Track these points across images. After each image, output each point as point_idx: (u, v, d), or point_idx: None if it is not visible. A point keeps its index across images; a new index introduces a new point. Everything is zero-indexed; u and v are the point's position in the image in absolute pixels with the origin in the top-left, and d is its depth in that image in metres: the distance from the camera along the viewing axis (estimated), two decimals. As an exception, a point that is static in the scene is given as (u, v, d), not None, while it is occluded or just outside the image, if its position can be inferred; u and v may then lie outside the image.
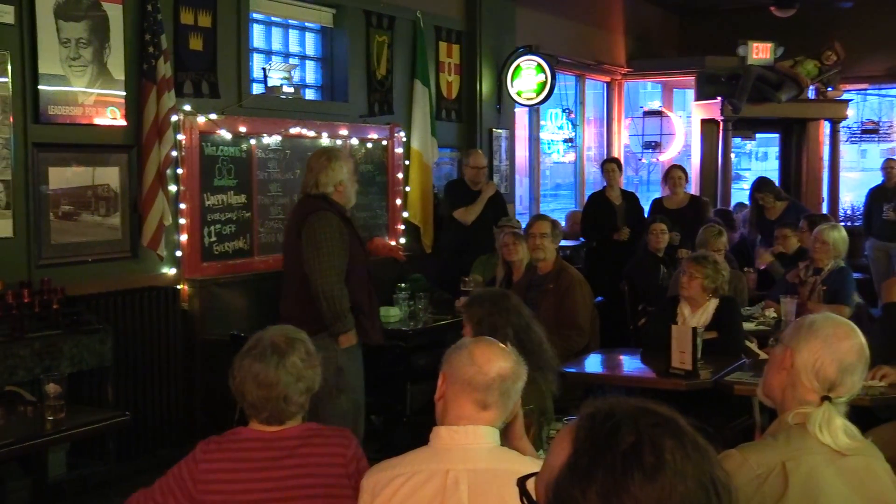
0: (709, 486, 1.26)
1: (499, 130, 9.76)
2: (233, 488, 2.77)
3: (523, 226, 8.18)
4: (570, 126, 11.83)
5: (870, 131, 13.41)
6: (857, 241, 10.81)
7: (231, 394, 2.94)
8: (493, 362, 2.56)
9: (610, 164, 9.52)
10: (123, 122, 6.08)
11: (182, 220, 6.49)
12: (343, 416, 5.24)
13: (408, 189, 8.54)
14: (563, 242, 8.51)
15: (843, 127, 12.48)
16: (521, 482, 1.37)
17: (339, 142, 7.72)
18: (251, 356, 2.89)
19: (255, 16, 7.38)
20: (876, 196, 10.84)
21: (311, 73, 8.12)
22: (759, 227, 9.23)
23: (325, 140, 7.58)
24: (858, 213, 12.42)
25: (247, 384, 2.85)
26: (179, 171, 6.45)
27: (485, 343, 2.67)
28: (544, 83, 9.63)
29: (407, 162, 8.50)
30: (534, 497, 1.33)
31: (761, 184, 9.57)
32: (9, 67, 5.46)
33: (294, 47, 7.97)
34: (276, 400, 2.84)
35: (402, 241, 8.48)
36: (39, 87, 5.60)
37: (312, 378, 2.92)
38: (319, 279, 5.22)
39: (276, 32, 7.80)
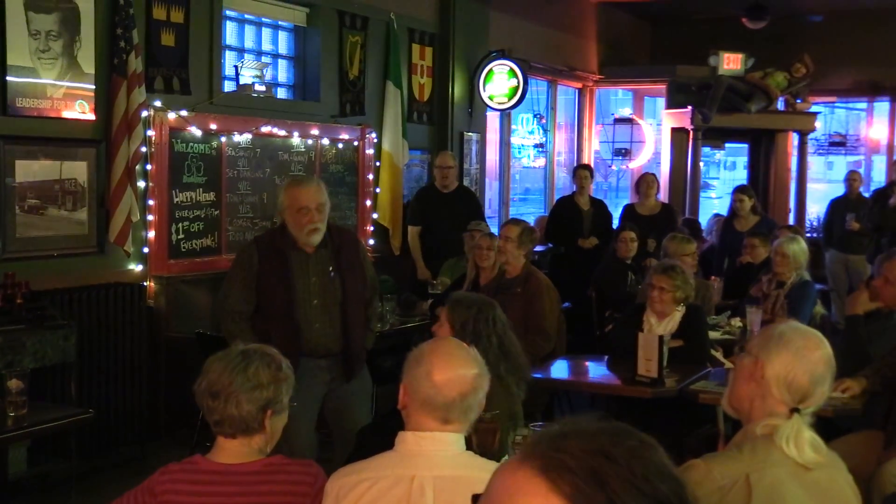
0: None
1: (470, 134, 9.77)
2: None
3: (492, 229, 8.19)
4: (541, 131, 11.86)
5: (837, 144, 13.56)
6: (820, 252, 10.88)
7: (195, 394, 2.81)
8: (453, 382, 2.49)
9: (583, 171, 9.55)
10: (92, 117, 6.04)
11: (150, 217, 6.45)
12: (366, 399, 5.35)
13: (378, 190, 8.52)
14: (532, 248, 8.50)
15: (811, 139, 12.59)
16: (475, 499, 1.32)
17: (309, 141, 7.70)
18: (218, 357, 2.77)
19: (228, 13, 7.35)
20: (838, 207, 10.86)
21: (283, 72, 8.09)
22: (727, 236, 9.22)
23: (296, 139, 7.56)
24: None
25: (203, 383, 2.72)
26: (148, 167, 6.41)
27: (444, 356, 2.55)
28: (516, 88, 9.66)
29: (378, 163, 8.49)
30: None
31: (745, 187, 9.59)
32: (-23, 58, 5.41)
33: (267, 45, 7.94)
34: (225, 401, 2.67)
35: (372, 242, 8.46)
36: (8, 78, 5.55)
37: (274, 394, 2.72)
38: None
39: (249, 30, 7.76)
